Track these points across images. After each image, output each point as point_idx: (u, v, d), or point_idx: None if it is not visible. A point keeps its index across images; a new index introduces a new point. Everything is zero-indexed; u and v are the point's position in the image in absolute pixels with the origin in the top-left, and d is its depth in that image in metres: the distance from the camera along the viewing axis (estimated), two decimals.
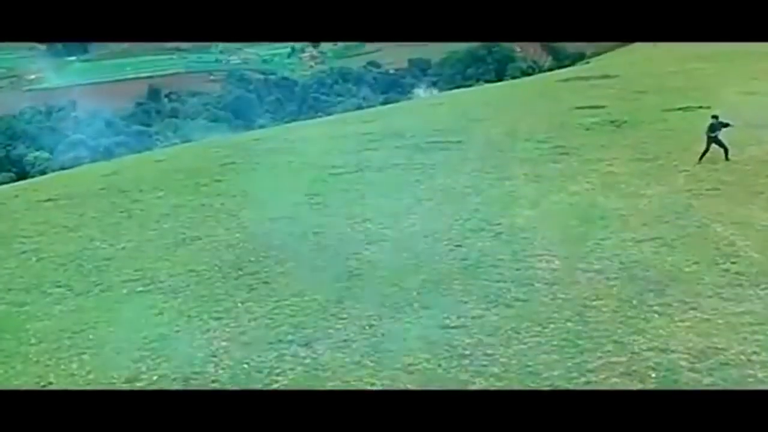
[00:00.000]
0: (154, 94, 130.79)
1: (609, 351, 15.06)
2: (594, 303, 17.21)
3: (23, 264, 24.75)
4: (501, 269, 19.62)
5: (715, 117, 28.31)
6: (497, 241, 21.91)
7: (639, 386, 13.77)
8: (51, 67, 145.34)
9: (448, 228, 23.34)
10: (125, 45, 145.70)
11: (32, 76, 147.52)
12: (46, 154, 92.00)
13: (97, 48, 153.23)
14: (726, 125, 27.84)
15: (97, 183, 36.38)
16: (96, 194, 33.68)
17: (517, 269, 19.55)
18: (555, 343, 15.55)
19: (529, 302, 17.55)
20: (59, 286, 22.06)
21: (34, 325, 19.30)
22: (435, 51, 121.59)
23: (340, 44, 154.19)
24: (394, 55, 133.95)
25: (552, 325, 16.28)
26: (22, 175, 73.67)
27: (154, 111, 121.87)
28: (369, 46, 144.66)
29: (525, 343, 15.64)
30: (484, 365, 14.83)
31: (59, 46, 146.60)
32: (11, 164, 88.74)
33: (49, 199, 34.03)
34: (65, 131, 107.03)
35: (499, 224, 23.22)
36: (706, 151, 27.86)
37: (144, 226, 27.08)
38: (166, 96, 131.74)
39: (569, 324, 16.30)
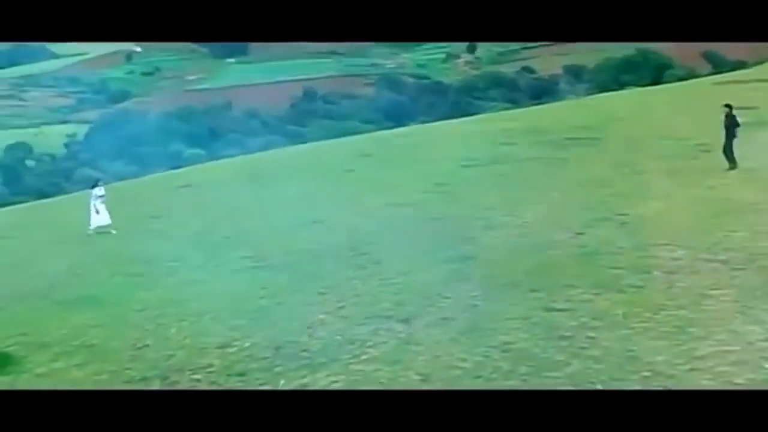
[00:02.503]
0: (309, 95, 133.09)
1: (722, 339, 13.99)
2: (713, 292, 16.11)
3: (147, 241, 25.29)
4: (619, 257, 18.66)
5: (728, 106, 26.96)
6: (621, 230, 20.95)
7: (750, 375, 12.75)
8: (211, 68, 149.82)
9: (571, 217, 22.52)
10: (284, 48, 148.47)
11: (192, 77, 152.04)
12: (200, 151, 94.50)
13: (255, 50, 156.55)
14: (737, 125, 26.81)
15: (232, 171, 36.96)
16: (228, 182, 34.36)
17: (637, 257, 18.57)
18: (664, 329, 14.55)
19: (643, 289, 16.56)
20: (175, 261, 22.30)
21: (143, 294, 19.47)
22: (590, 57, 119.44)
23: (495, 49, 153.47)
24: (548, 61, 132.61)
25: (664, 312, 15.27)
26: None
27: (308, 112, 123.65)
28: (524, 52, 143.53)
29: (632, 329, 14.70)
30: (584, 347, 13.99)
31: (220, 47, 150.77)
32: (167, 160, 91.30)
33: (185, 185, 34.72)
34: (221, 130, 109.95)
35: (625, 214, 22.25)
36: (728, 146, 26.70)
37: (268, 211, 27.30)
38: (321, 98, 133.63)
39: (683, 312, 15.28)
